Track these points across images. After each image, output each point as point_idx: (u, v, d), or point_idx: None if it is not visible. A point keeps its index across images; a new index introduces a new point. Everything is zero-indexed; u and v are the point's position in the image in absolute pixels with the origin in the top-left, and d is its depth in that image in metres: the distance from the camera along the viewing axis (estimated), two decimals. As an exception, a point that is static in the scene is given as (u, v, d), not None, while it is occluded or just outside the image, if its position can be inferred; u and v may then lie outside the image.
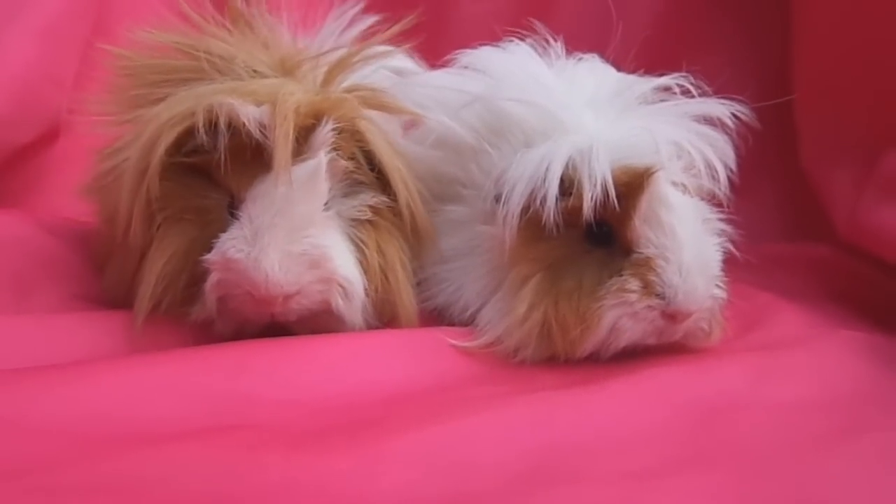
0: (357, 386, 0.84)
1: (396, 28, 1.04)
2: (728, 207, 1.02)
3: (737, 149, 1.00)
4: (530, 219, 0.87)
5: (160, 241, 0.89)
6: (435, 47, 1.21)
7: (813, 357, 0.97)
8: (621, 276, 0.85)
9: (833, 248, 1.37)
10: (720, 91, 1.00)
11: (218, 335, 0.91)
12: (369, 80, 0.99)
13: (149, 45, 0.97)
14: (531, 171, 0.85)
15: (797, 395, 0.88)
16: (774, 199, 1.56)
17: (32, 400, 0.76)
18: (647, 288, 0.85)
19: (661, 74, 1.01)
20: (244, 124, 0.83)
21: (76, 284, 1.04)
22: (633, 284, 0.85)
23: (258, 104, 0.84)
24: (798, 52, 1.45)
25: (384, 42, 1.02)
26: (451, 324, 0.98)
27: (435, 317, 1.01)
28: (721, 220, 1.00)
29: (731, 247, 0.99)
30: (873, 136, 1.26)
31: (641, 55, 1.08)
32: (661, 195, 0.84)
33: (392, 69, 1.13)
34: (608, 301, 0.85)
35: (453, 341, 0.91)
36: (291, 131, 0.83)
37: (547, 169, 0.84)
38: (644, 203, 0.84)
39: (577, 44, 1.11)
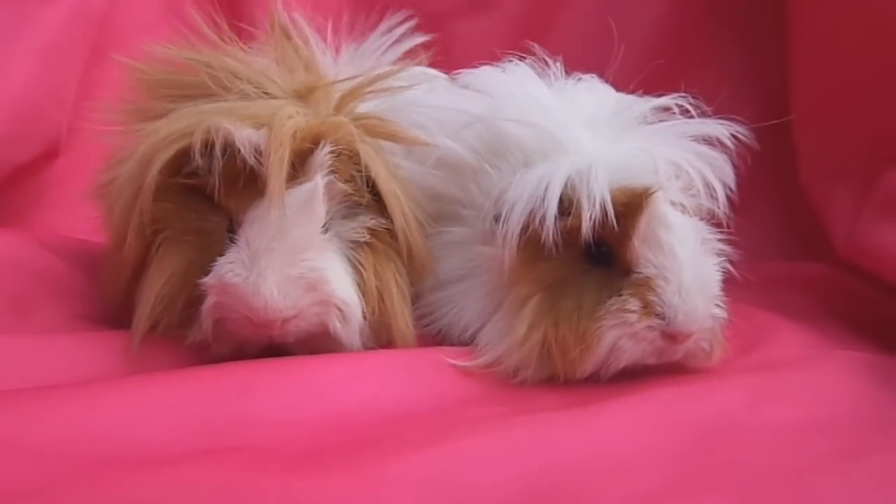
0: (357, 406, 0.84)
1: (422, 59, 1.05)
2: (727, 227, 1.02)
3: (736, 168, 1.01)
4: (529, 239, 0.87)
5: (159, 261, 0.89)
6: (436, 68, 1.22)
7: (812, 377, 0.97)
8: (621, 296, 0.85)
9: (832, 267, 1.37)
10: (719, 111, 1.00)
11: (215, 356, 0.91)
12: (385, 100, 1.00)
13: (163, 59, 0.98)
14: (530, 191, 0.85)
15: (797, 416, 0.88)
16: (773, 218, 1.56)
17: (32, 421, 0.75)
18: (647, 308, 0.85)
19: (660, 95, 1.01)
20: (240, 150, 0.83)
21: (76, 303, 1.04)
22: (633, 304, 0.85)
23: (257, 127, 0.85)
24: (796, 71, 1.46)
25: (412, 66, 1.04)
26: (453, 345, 0.97)
27: (438, 339, 1.00)
28: (720, 239, 1.00)
29: (730, 266, 1.00)
30: (872, 155, 1.26)
31: (640, 75, 1.08)
32: (660, 215, 0.85)
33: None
34: (608, 321, 0.85)
35: (453, 361, 0.91)
36: (287, 156, 0.83)
37: (546, 189, 0.84)
38: (643, 223, 0.84)
39: (575, 64, 1.12)
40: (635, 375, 0.91)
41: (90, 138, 1.03)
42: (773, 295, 1.33)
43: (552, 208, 0.84)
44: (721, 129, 0.97)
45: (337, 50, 1.10)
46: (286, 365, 0.88)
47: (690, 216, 0.93)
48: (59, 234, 1.22)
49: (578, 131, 0.93)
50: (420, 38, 1.12)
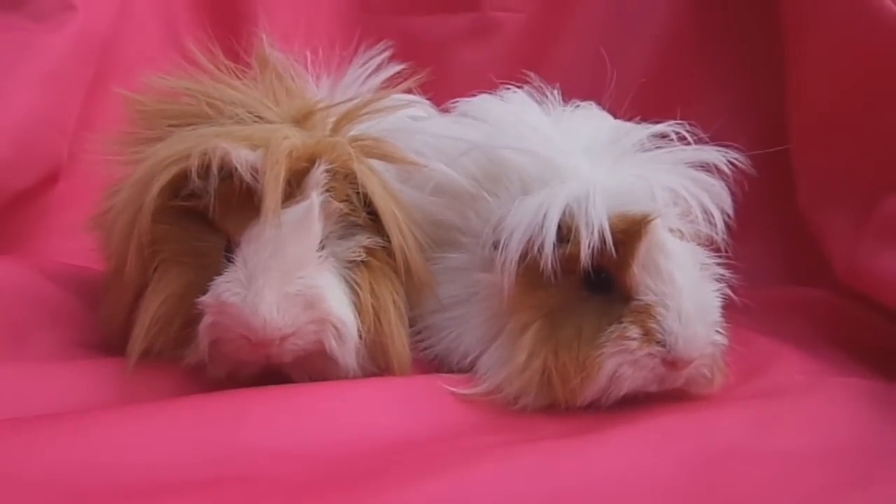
0: (356, 436, 0.83)
1: (410, 83, 1.06)
2: (726, 252, 1.02)
3: (733, 194, 1.01)
4: (528, 266, 0.87)
5: (157, 283, 0.90)
6: (434, 95, 1.23)
7: (814, 405, 0.96)
8: (621, 323, 0.85)
9: (832, 293, 1.37)
10: (716, 137, 1.01)
11: (211, 378, 0.91)
12: (380, 126, 1.01)
13: (160, 90, 0.99)
14: (529, 218, 0.85)
15: (798, 445, 0.88)
16: (773, 243, 1.55)
17: (29, 452, 0.75)
18: (648, 335, 0.84)
19: (657, 122, 1.02)
20: (236, 169, 0.84)
21: (74, 330, 1.04)
22: (634, 332, 0.84)
23: (253, 148, 0.85)
24: (793, 97, 1.46)
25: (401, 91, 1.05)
26: (452, 371, 0.97)
27: (436, 365, 1.00)
28: (719, 265, 1.00)
29: (730, 292, 1.00)
30: (871, 181, 1.26)
31: (636, 103, 1.08)
32: (659, 242, 0.85)
33: (409, 117, 1.14)
34: (608, 349, 0.84)
35: (453, 389, 0.90)
36: (282, 175, 0.83)
37: (544, 216, 0.84)
38: (642, 250, 0.84)
39: (573, 91, 1.13)
40: (636, 403, 0.91)
41: (90, 165, 1.03)
42: (773, 320, 1.33)
43: (551, 235, 0.84)
44: (718, 155, 0.98)
45: (316, 82, 1.11)
46: (284, 393, 0.87)
47: (689, 242, 0.93)
48: (57, 260, 1.22)
49: (577, 158, 0.93)
50: (397, 67, 1.12)
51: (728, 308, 1.01)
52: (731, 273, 1.01)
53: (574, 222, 0.84)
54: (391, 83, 1.11)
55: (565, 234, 0.86)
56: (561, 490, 0.76)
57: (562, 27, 1.68)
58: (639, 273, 0.84)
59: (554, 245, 0.84)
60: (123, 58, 1.49)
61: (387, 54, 1.15)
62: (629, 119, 1.05)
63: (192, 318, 0.88)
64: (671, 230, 0.87)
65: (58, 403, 0.86)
